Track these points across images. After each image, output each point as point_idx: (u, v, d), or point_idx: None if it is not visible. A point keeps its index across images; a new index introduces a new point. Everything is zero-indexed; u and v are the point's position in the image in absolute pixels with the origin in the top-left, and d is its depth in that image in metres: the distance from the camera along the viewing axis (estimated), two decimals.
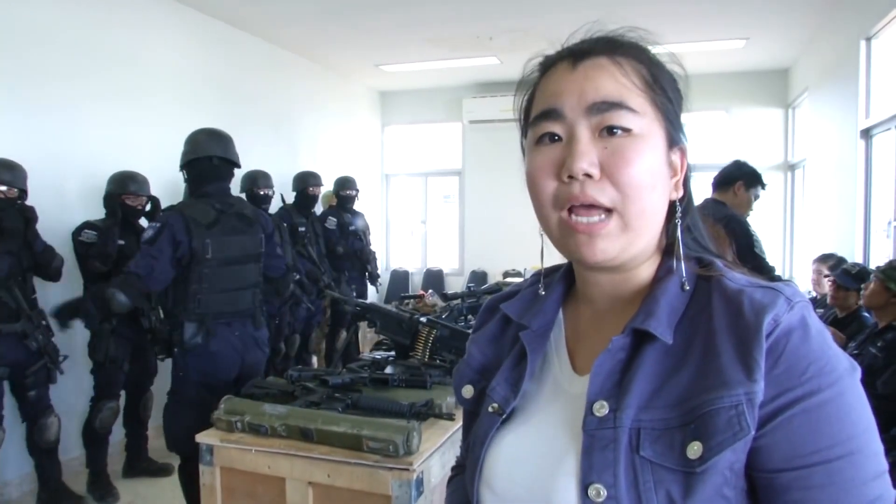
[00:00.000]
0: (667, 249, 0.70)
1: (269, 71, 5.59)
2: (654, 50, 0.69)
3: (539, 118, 0.67)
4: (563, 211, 0.65)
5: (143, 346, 3.39)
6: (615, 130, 0.63)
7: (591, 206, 0.63)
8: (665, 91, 0.67)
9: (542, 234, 0.71)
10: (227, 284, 2.68)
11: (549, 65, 0.70)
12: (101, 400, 3.36)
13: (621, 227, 0.64)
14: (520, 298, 0.79)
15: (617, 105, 0.63)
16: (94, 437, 3.37)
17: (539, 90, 0.69)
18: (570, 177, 0.63)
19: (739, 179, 3.60)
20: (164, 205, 4.22)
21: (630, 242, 0.65)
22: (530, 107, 0.71)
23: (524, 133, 0.72)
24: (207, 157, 2.73)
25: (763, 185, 3.63)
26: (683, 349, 0.62)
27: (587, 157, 0.62)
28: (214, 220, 2.66)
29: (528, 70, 0.72)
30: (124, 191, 3.45)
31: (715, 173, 3.59)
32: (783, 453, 0.56)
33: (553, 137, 0.65)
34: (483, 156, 7.25)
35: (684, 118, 0.69)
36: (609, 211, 0.63)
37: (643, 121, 0.64)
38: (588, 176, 0.62)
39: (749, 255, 3.34)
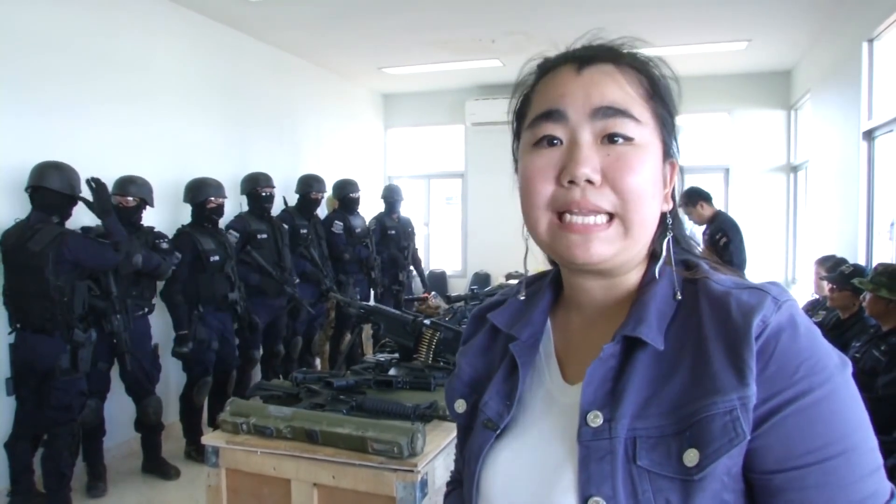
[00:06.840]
0: (653, 255, 0.69)
1: (272, 74, 5.60)
2: (654, 62, 0.69)
3: (540, 118, 0.65)
4: (555, 213, 0.64)
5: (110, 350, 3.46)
6: (617, 139, 0.63)
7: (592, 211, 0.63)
8: (665, 104, 0.67)
9: (526, 239, 0.70)
10: None
11: (548, 67, 0.68)
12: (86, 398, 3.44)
13: (621, 234, 0.63)
14: (507, 308, 0.77)
15: (622, 113, 0.63)
16: (84, 432, 3.44)
17: (538, 92, 0.68)
18: (571, 182, 0.62)
19: (702, 198, 4.61)
20: (162, 208, 4.25)
21: (626, 248, 0.64)
22: (524, 110, 0.69)
23: (517, 136, 0.70)
24: None
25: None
26: (674, 354, 0.62)
27: (590, 163, 0.62)
28: None
29: (525, 72, 0.71)
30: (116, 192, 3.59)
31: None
32: (778, 454, 0.56)
33: (552, 141, 0.64)
34: (486, 158, 7.24)
35: (679, 129, 0.70)
36: (610, 216, 0.63)
37: (644, 131, 0.64)
38: (589, 182, 0.62)
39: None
